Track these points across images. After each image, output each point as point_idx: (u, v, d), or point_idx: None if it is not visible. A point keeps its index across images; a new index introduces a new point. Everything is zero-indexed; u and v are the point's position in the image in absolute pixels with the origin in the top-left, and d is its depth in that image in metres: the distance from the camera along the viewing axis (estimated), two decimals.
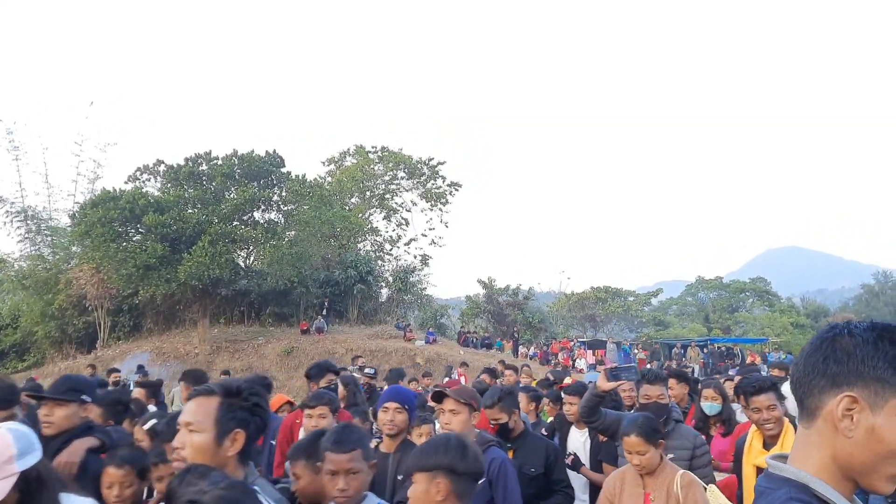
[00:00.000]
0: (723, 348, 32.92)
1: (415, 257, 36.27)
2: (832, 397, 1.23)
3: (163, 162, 27.10)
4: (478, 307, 39.24)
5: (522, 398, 6.12)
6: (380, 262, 34.97)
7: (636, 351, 32.07)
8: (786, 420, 3.98)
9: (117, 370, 11.60)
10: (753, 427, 4.16)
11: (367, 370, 9.19)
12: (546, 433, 5.63)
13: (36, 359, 27.57)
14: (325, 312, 28.65)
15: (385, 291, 34.76)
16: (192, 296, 25.40)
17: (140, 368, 14.11)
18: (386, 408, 3.86)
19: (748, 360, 27.20)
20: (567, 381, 8.31)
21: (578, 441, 5.33)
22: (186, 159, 26.65)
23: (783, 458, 1.33)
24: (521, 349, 31.29)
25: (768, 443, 4.00)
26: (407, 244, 36.38)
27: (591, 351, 30.52)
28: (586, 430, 5.16)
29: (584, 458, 5.16)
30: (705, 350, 31.36)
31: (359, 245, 34.41)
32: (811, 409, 1.27)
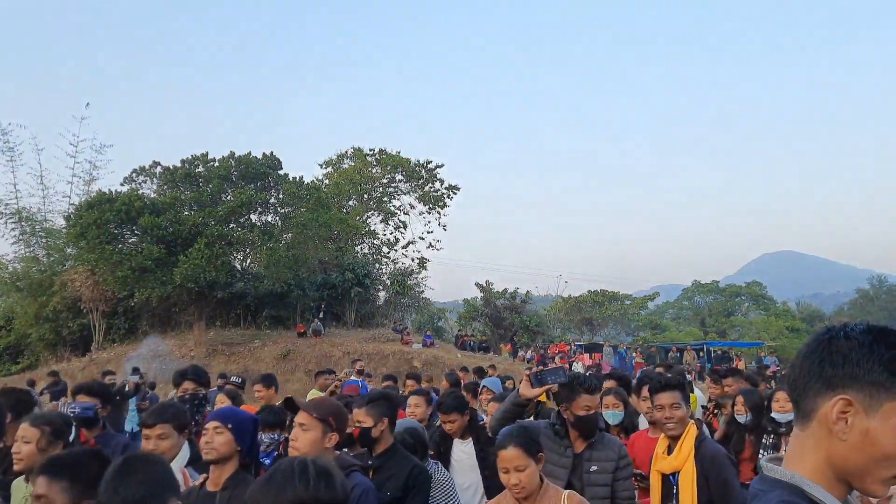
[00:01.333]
0: (719, 352, 32.94)
1: (412, 260, 36.22)
2: (827, 400, 1.23)
3: (159, 164, 27.04)
4: (475, 311, 39.17)
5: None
6: (377, 266, 34.86)
7: (633, 355, 32.04)
8: (691, 422, 3.75)
9: (112, 372, 11.46)
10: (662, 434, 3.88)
11: (233, 378, 7.99)
12: (432, 452, 4.84)
13: (30, 361, 27.39)
14: (321, 315, 28.52)
15: (382, 295, 34.66)
16: (188, 298, 25.26)
17: (135, 371, 13.94)
18: (205, 429, 3.18)
19: (735, 364, 27.17)
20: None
21: (462, 455, 4.78)
22: (183, 161, 26.58)
23: (778, 460, 1.33)
24: (520, 353, 31.24)
25: (671, 447, 3.75)
26: (405, 247, 36.34)
27: (587, 354, 30.50)
28: (470, 440, 4.70)
29: (472, 474, 4.68)
30: (701, 354, 31.37)
31: (356, 248, 34.30)
32: (806, 412, 1.27)
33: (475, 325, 39.22)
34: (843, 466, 1.22)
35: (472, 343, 31.19)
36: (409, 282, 34.86)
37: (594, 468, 3.59)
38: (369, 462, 3.51)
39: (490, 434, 4.08)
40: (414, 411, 5.59)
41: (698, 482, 3.53)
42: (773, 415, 5.27)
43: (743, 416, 5.60)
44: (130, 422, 10.11)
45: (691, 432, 3.69)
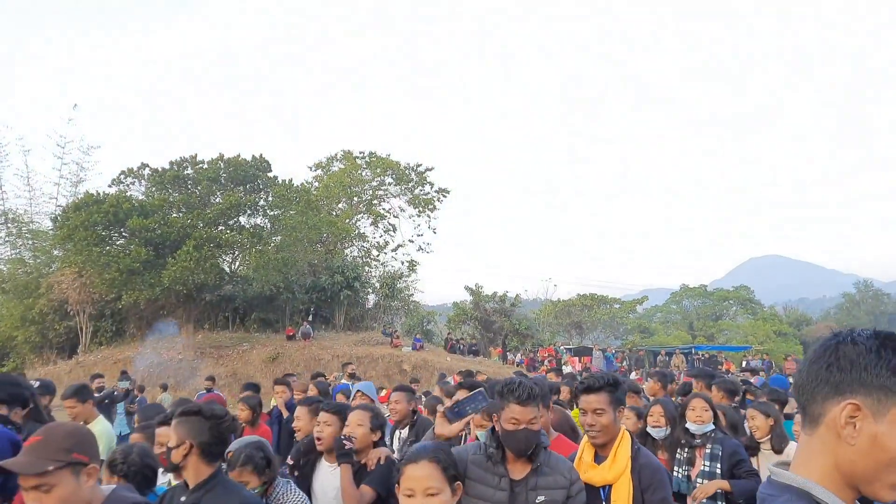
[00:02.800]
0: (706, 356, 33.09)
1: (402, 263, 36.14)
2: (835, 405, 1.23)
3: (147, 165, 26.92)
4: (465, 314, 39.14)
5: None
6: (367, 268, 34.78)
7: (615, 362, 32.13)
8: (623, 429, 3.32)
9: (100, 375, 11.35)
10: (585, 438, 3.40)
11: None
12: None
13: (15, 364, 27.13)
14: (311, 318, 28.43)
15: (372, 297, 34.59)
16: (177, 301, 25.15)
17: (123, 374, 13.85)
18: None
19: (724, 367, 27.32)
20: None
21: (328, 477, 3.81)
22: (171, 163, 26.48)
23: (785, 465, 1.33)
24: (509, 356, 31.28)
25: (600, 455, 3.29)
26: (394, 250, 36.26)
27: (577, 358, 30.56)
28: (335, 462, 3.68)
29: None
30: (689, 357, 31.48)
31: (346, 251, 34.22)
32: (814, 416, 1.27)
33: (465, 328, 39.19)
34: (851, 471, 1.22)
35: (461, 346, 31.18)
36: (398, 285, 34.81)
37: (540, 498, 2.93)
38: (182, 499, 2.78)
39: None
40: (395, 407, 5.39)
41: (634, 498, 3.13)
42: (687, 425, 4.56)
43: (662, 430, 4.87)
44: (119, 425, 10.05)
45: (625, 441, 3.27)
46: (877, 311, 65.97)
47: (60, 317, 26.96)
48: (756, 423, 4.86)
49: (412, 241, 36.18)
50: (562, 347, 34.18)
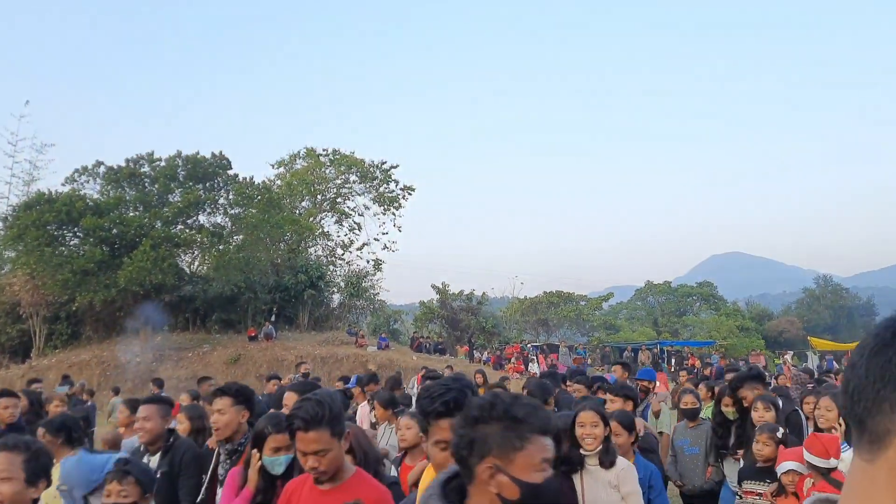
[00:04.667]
0: (673, 351, 33.41)
1: (367, 262, 35.75)
2: None
3: (102, 163, 26.16)
4: (432, 312, 38.96)
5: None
6: (331, 268, 34.36)
7: (581, 355, 32.26)
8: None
9: (38, 380, 10.79)
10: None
11: None
12: None
13: None
14: (273, 319, 27.96)
15: (337, 297, 34.20)
16: (134, 302, 24.50)
17: (65, 379, 13.25)
18: None
19: (689, 363, 27.55)
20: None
21: None
22: (127, 160, 25.82)
23: (830, 502, 0.95)
24: (476, 354, 31.16)
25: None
26: (359, 249, 35.83)
27: (543, 355, 30.56)
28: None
29: None
30: (655, 351, 31.72)
31: (310, 250, 33.75)
32: (878, 434, 0.81)
33: (431, 327, 39.00)
34: None
35: (427, 345, 30.96)
36: (363, 284, 34.45)
37: None
38: None
39: None
40: (143, 426, 4.29)
41: None
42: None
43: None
44: None
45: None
46: (836, 305, 67.47)
47: (13, 320, 26.10)
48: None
49: (377, 240, 35.83)
50: (529, 345, 34.14)
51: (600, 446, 3.80)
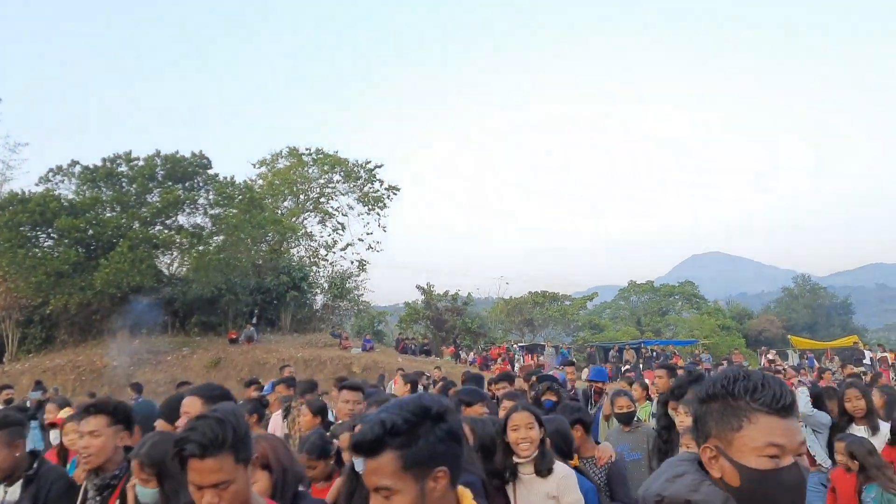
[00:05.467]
0: (657, 350, 33.36)
1: (351, 263, 35.22)
2: None
3: (78, 163, 25.53)
4: (417, 313, 38.62)
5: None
6: (314, 269, 33.82)
7: (565, 355, 32.00)
8: None
9: (9, 387, 10.32)
10: None
11: None
12: None
13: None
14: (255, 321, 27.49)
15: (320, 298, 33.69)
16: (111, 304, 23.94)
17: (38, 385, 12.76)
18: None
19: (673, 361, 27.50)
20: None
21: None
22: (104, 160, 25.25)
23: None
24: (461, 355, 30.90)
25: None
26: (343, 249, 35.24)
27: (530, 355, 30.37)
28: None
29: None
30: (638, 353, 31.63)
31: (292, 250, 33.22)
32: None
33: (416, 328, 38.66)
34: None
35: (413, 346, 30.61)
36: (347, 285, 33.99)
37: None
38: None
39: None
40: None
41: None
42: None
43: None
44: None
45: None
46: (814, 304, 67.99)
47: None
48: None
49: (362, 240, 35.25)
50: (514, 345, 33.92)
51: (535, 451, 3.38)
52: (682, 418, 4.64)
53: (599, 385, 7.99)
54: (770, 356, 28.42)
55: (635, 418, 5.93)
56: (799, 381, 7.01)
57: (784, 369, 18.86)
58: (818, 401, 5.99)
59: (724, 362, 25.06)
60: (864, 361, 23.04)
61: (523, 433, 3.38)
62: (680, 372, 7.65)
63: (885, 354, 25.31)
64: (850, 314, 69.48)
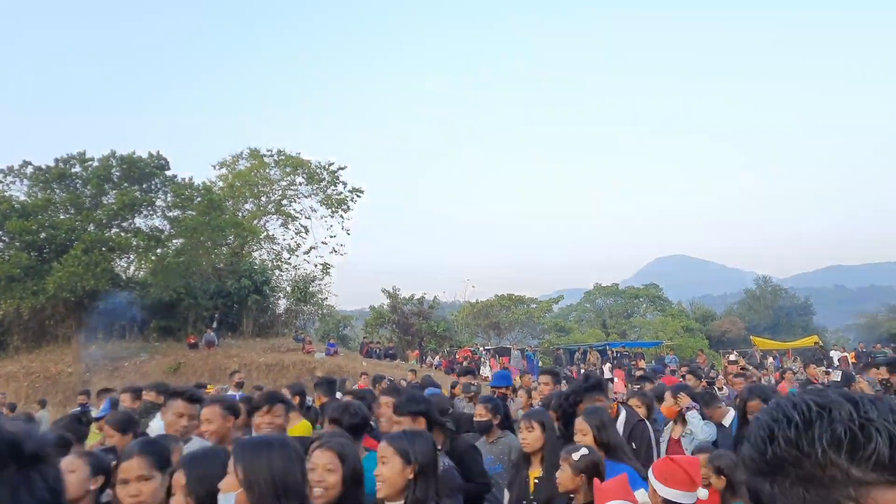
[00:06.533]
0: (624, 352, 33.57)
1: (315, 266, 34.70)
2: None
3: (30, 163, 24.74)
4: (382, 317, 38.27)
5: None
6: (277, 272, 33.26)
7: (530, 358, 32.01)
8: None
9: None
10: None
11: None
12: None
13: None
14: (215, 325, 26.88)
15: (283, 302, 33.12)
16: (65, 309, 23.27)
17: None
18: None
19: (637, 363, 27.69)
20: None
21: None
22: (57, 160, 24.51)
23: None
24: (427, 359, 30.70)
25: None
26: (306, 253, 34.71)
27: (496, 358, 30.29)
28: None
29: None
30: (603, 355, 31.77)
31: (254, 254, 32.58)
32: None
33: (382, 331, 38.31)
34: None
35: (378, 350, 30.28)
36: (311, 289, 33.49)
37: None
38: None
39: None
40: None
41: None
42: None
43: None
44: None
45: None
46: (776, 305, 69.28)
47: None
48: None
49: (325, 243, 34.76)
50: (481, 349, 33.82)
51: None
52: (580, 437, 4.07)
53: (502, 391, 7.49)
54: (732, 357, 28.74)
55: (493, 427, 5.32)
56: (687, 408, 6.26)
57: (749, 369, 19.00)
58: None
59: (686, 367, 25.21)
60: (834, 364, 23.42)
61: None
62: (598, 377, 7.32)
63: (846, 354, 25.84)
64: (810, 315, 70.88)
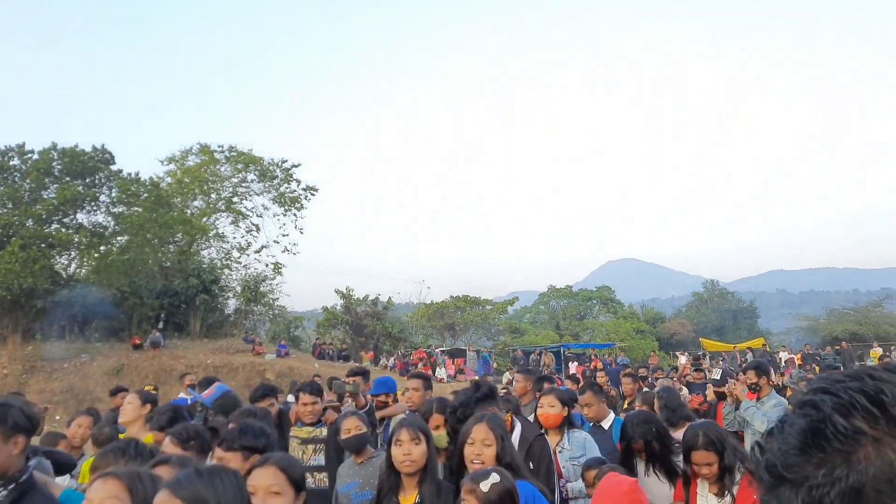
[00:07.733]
0: (578, 352, 33.80)
1: (266, 266, 33.89)
2: None
3: None
4: (335, 318, 37.68)
5: None
6: (226, 271, 32.37)
7: (486, 359, 31.93)
8: None
9: None
10: None
11: None
12: None
13: None
14: (161, 326, 26.02)
15: (233, 302, 32.27)
16: (1, 308, 22.14)
17: None
18: None
19: (593, 364, 27.84)
20: None
21: None
22: None
23: None
24: (381, 360, 30.32)
25: None
26: (258, 252, 33.88)
27: (451, 359, 30.13)
28: None
29: None
30: (558, 356, 31.92)
31: (202, 252, 31.67)
32: None
33: (335, 333, 37.71)
34: None
35: (330, 352, 29.76)
36: (262, 288, 32.72)
37: None
38: None
39: None
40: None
41: None
42: None
43: None
44: None
45: None
46: (722, 308, 70.89)
47: None
48: None
49: (277, 242, 33.99)
50: (436, 350, 33.58)
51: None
52: (480, 449, 3.35)
53: (382, 398, 6.06)
54: (684, 359, 29.15)
55: (367, 446, 4.49)
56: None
57: (708, 370, 19.12)
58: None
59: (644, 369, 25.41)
60: (780, 366, 23.93)
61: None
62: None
63: (793, 356, 26.50)
64: (755, 318, 72.73)
